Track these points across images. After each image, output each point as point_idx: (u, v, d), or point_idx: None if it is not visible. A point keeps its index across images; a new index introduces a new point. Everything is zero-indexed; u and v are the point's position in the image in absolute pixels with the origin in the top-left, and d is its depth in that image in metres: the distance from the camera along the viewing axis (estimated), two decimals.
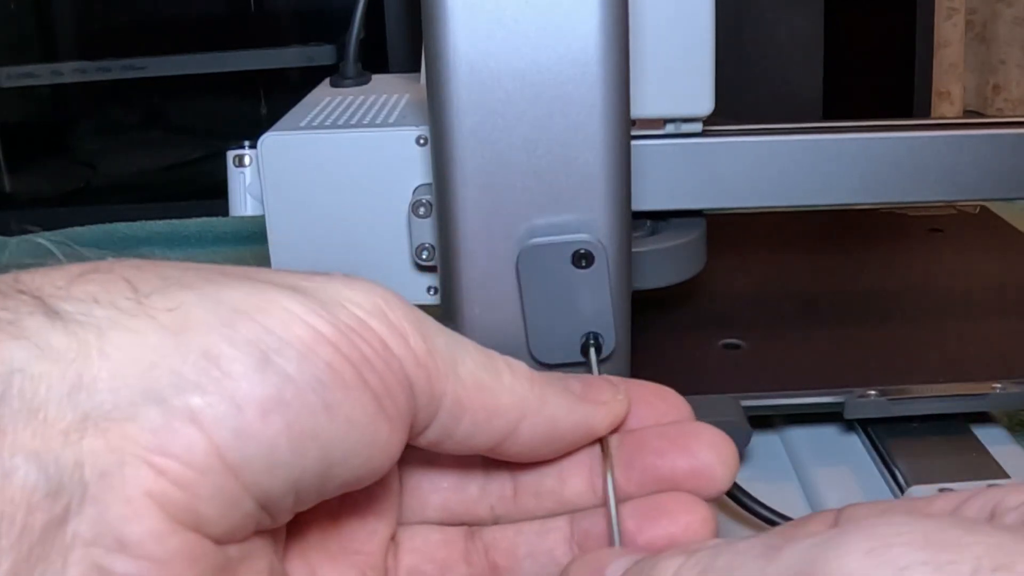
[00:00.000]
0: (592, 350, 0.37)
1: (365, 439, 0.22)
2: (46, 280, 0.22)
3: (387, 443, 0.23)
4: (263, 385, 0.21)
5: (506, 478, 0.28)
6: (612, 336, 0.37)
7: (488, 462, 0.28)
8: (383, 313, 0.23)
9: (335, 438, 0.22)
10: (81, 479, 0.19)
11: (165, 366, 0.20)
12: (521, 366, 0.26)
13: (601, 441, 0.27)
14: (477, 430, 0.25)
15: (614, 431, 0.28)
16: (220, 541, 0.21)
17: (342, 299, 0.23)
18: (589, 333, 0.37)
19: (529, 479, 0.28)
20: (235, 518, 0.21)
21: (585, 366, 0.37)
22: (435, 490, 0.28)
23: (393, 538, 0.28)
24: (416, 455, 0.28)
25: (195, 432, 0.20)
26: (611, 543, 0.26)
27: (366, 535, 0.27)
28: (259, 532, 0.22)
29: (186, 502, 0.20)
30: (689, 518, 0.26)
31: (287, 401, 0.21)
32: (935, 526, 0.18)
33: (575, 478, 0.28)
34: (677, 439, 0.27)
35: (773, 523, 0.41)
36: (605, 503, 0.26)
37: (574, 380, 0.28)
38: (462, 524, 0.28)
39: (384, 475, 0.24)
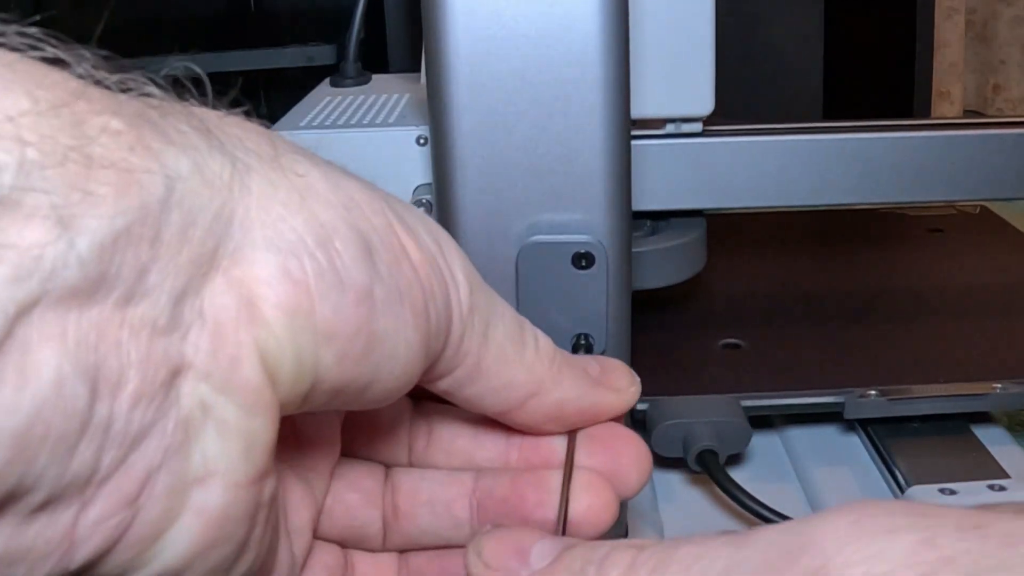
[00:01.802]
0: (583, 351, 0.37)
1: (409, 364, 0.22)
2: (203, 111, 0.21)
3: (415, 375, 0.23)
4: (363, 273, 0.21)
5: (423, 429, 0.28)
6: (603, 337, 0.37)
7: (414, 410, 0.28)
8: (449, 258, 0.24)
9: (393, 353, 0.22)
10: (201, 312, 0.19)
11: (290, 223, 0.20)
12: (547, 343, 0.26)
13: (569, 434, 0.27)
14: (487, 396, 0.25)
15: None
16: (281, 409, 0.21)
17: (419, 229, 0.23)
18: (580, 334, 0.37)
19: (444, 433, 0.28)
20: (298, 390, 0.21)
21: None
22: (375, 431, 0.28)
23: None
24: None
25: (304, 293, 0.20)
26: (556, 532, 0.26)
27: (321, 457, 0.27)
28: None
29: (278, 357, 0.20)
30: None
31: (375, 298, 0.21)
32: (911, 502, 0.18)
33: (489, 443, 0.28)
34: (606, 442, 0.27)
35: (773, 523, 0.41)
36: (563, 492, 0.26)
37: (594, 363, 0.28)
38: (383, 463, 0.28)
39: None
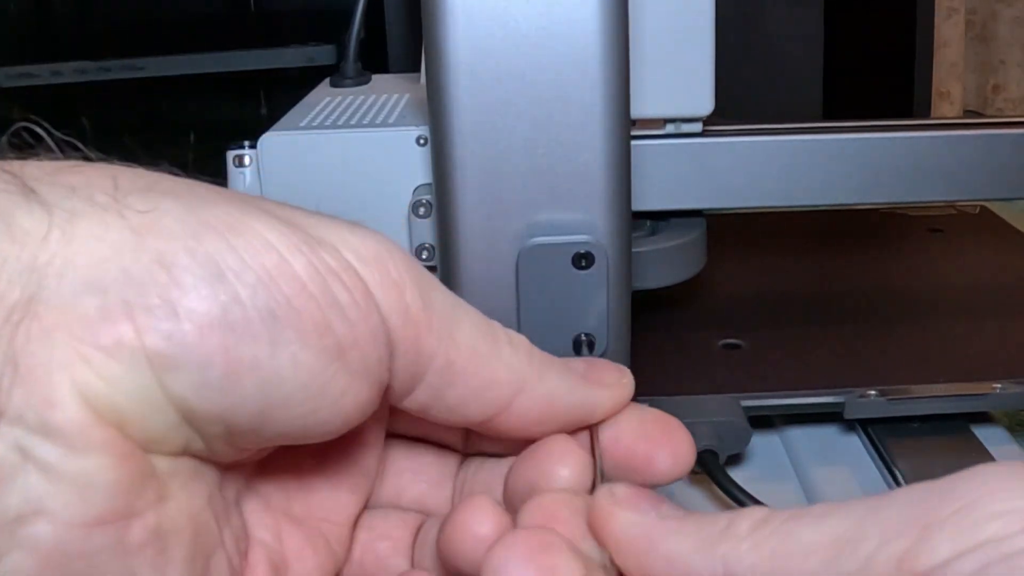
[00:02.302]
0: (585, 348, 0.37)
1: (313, 387, 0.21)
2: (35, 166, 0.22)
3: (341, 397, 0.22)
4: (209, 301, 0.20)
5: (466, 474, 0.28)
6: (604, 337, 0.37)
7: (466, 461, 0.28)
8: (382, 263, 0.23)
9: (276, 377, 0.21)
10: (14, 358, 0.19)
11: (117, 262, 0.20)
12: (522, 340, 0.26)
13: (591, 428, 0.27)
14: (470, 399, 0.24)
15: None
16: (145, 448, 0.21)
17: (337, 241, 0.22)
18: (581, 333, 0.37)
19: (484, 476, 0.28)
20: (159, 426, 0.21)
21: None
22: (416, 482, 0.28)
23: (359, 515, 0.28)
24: (403, 444, 0.28)
25: (128, 328, 0.20)
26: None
27: (336, 506, 0.26)
28: (197, 457, 0.22)
29: (108, 396, 0.20)
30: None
31: (230, 323, 0.20)
32: None
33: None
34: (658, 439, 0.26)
35: None
36: (593, 489, 0.25)
37: (577, 361, 0.27)
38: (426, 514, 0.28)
39: (343, 436, 0.23)
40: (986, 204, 0.70)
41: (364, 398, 0.23)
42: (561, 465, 0.25)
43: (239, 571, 0.24)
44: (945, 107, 1.34)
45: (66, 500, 0.20)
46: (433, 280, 0.24)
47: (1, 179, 0.21)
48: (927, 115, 0.99)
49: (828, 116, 0.94)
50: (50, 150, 0.23)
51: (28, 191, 0.20)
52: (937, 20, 1.10)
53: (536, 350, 0.26)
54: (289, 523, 0.26)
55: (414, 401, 0.24)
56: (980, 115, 1.39)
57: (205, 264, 0.21)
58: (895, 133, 0.46)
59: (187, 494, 0.22)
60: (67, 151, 0.23)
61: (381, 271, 0.23)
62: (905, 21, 0.95)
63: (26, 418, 0.19)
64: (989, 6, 1.40)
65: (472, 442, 0.28)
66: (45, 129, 0.23)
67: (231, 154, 0.44)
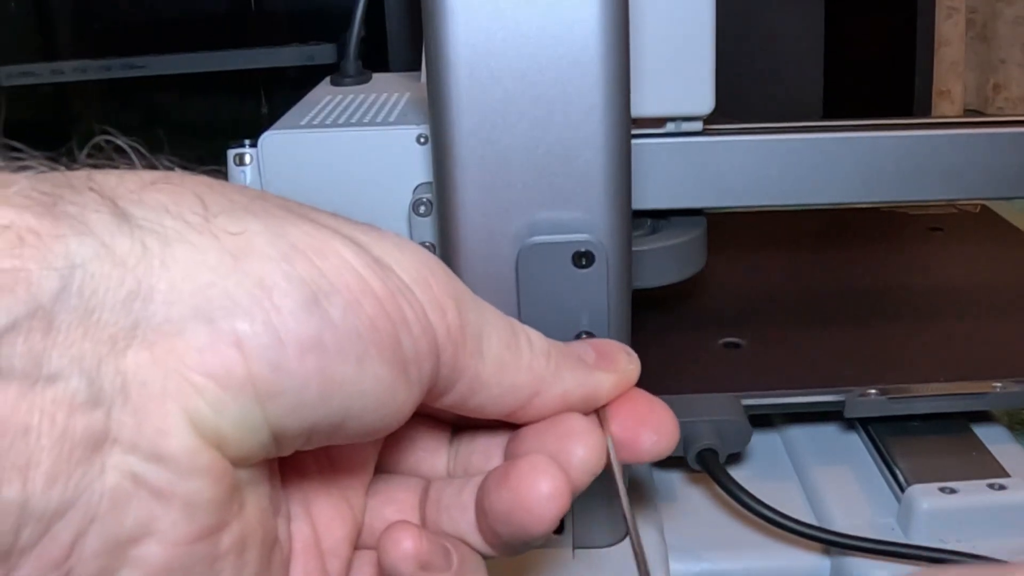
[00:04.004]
0: None
1: (384, 398, 0.23)
2: (120, 182, 0.22)
3: (402, 405, 0.23)
4: (307, 324, 0.21)
5: (464, 440, 0.29)
6: (604, 336, 0.37)
7: (457, 430, 0.29)
8: (427, 282, 0.24)
9: (359, 391, 0.22)
10: (124, 387, 0.19)
11: (220, 287, 0.20)
12: (539, 340, 0.27)
13: (599, 410, 0.28)
14: (491, 403, 0.26)
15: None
16: (235, 463, 0.21)
17: (391, 261, 0.23)
18: (581, 332, 0.37)
19: (479, 443, 0.29)
20: (252, 445, 0.21)
21: None
22: (412, 450, 0.29)
23: None
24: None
25: (237, 356, 0.20)
26: (620, 503, 0.27)
27: (356, 470, 0.27)
28: (265, 459, 0.23)
29: (215, 423, 0.20)
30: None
31: (325, 345, 0.21)
32: None
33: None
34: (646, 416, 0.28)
35: (773, 522, 0.41)
36: (608, 468, 0.27)
37: (590, 348, 0.28)
38: (424, 477, 0.29)
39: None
40: (986, 203, 0.70)
41: (416, 402, 0.24)
42: (579, 445, 0.26)
43: (287, 555, 0.25)
44: (945, 106, 1.34)
45: (174, 520, 0.20)
46: (466, 293, 0.25)
47: (92, 201, 0.20)
48: (927, 114, 0.99)
49: (828, 115, 0.94)
50: (112, 157, 0.23)
51: (120, 212, 0.20)
52: (938, 19, 1.10)
53: (552, 347, 0.27)
54: (318, 494, 0.26)
55: (441, 403, 0.26)
56: (980, 114, 1.39)
57: (301, 287, 0.21)
58: (895, 132, 0.46)
59: (257, 497, 0.23)
60: (128, 156, 0.23)
61: (429, 290, 0.24)
62: (906, 20, 0.95)
63: (140, 447, 0.20)
64: (990, 5, 1.40)
65: (465, 418, 0.29)
66: (110, 135, 0.23)
67: (232, 153, 0.44)
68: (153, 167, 0.23)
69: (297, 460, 0.26)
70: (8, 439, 0.18)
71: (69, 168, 0.22)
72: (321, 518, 0.26)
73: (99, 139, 0.23)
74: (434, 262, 0.24)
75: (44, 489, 0.19)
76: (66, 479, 0.19)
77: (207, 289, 0.20)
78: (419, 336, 0.23)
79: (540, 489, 0.25)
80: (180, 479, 0.20)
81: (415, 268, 0.24)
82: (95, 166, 0.23)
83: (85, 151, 0.23)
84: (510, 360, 0.26)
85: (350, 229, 0.24)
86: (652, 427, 0.28)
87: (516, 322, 0.27)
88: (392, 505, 0.28)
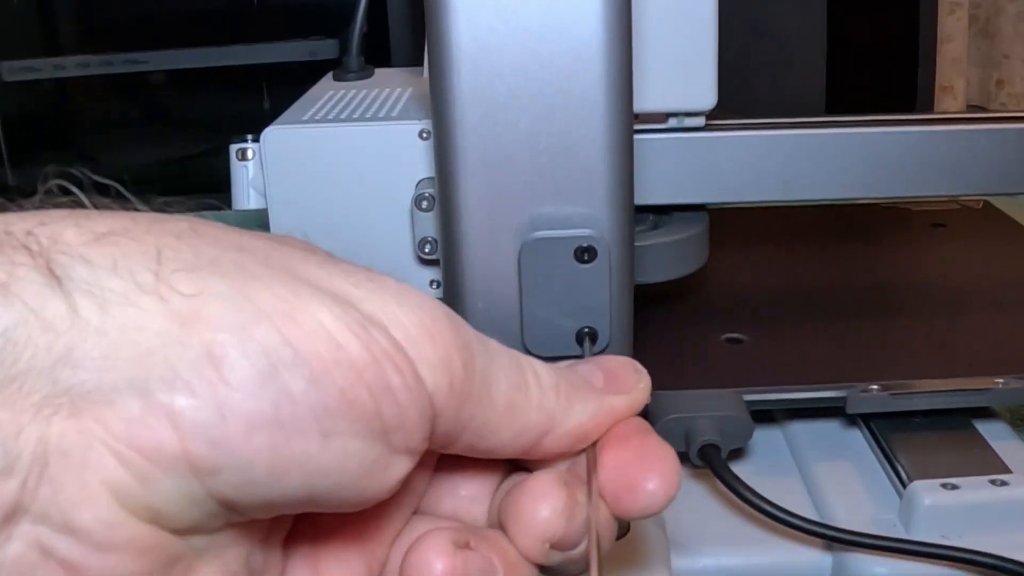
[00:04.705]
0: (587, 340, 0.37)
1: (360, 472, 0.21)
2: (68, 231, 0.20)
3: (384, 475, 0.21)
4: (258, 399, 0.19)
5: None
6: (607, 332, 0.37)
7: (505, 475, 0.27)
8: (429, 337, 0.22)
9: (324, 468, 0.20)
10: (43, 456, 0.19)
11: (161, 356, 0.19)
12: (547, 374, 0.25)
13: (588, 449, 0.26)
14: (501, 447, 0.24)
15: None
16: (181, 533, 0.20)
17: (385, 318, 0.21)
18: (584, 328, 0.37)
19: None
20: (197, 517, 0.20)
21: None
22: (454, 496, 0.27)
23: None
24: (447, 462, 0.27)
25: (169, 432, 0.19)
26: (590, 543, 0.25)
27: (384, 530, 0.26)
28: (235, 525, 0.22)
29: (143, 497, 0.19)
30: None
31: (280, 421, 0.20)
32: None
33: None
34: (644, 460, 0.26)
35: (775, 517, 0.41)
36: (584, 510, 0.25)
37: (597, 370, 0.27)
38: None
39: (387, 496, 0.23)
40: (989, 199, 0.69)
41: (405, 470, 0.22)
42: (541, 507, 0.25)
43: None
44: (948, 102, 1.34)
45: None
46: (474, 338, 0.23)
47: (22, 262, 0.19)
48: (930, 110, 0.99)
49: (831, 110, 0.94)
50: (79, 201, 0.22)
51: (53, 276, 0.19)
52: (941, 15, 1.10)
53: (561, 379, 0.25)
54: (329, 550, 0.25)
55: (447, 451, 0.24)
56: (983, 110, 1.39)
57: (256, 359, 0.19)
58: (898, 128, 0.46)
59: (220, 563, 0.21)
60: (101, 198, 0.22)
61: (428, 347, 0.22)
62: (909, 15, 0.95)
63: (51, 516, 0.19)
64: (993, 1, 1.39)
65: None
66: (79, 180, 0.22)
67: (234, 148, 0.44)
68: (131, 208, 0.22)
69: (310, 514, 0.24)
70: None
71: (30, 207, 0.21)
72: (325, 568, 0.25)
73: (52, 184, 0.22)
74: (439, 312, 0.23)
75: None
76: None
77: (145, 357, 0.19)
78: (406, 404, 0.21)
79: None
80: (94, 553, 0.19)
81: (414, 323, 0.22)
82: (72, 202, 0.22)
83: (39, 196, 0.22)
84: (520, 402, 0.24)
85: (342, 282, 0.22)
86: (657, 475, 0.25)
87: (521, 356, 0.25)
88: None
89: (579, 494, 0.25)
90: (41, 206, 0.22)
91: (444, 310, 0.23)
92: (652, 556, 0.39)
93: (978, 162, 0.46)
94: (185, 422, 0.19)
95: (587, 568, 0.24)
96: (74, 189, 0.22)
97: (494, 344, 0.24)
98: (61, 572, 0.19)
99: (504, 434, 0.24)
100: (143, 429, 0.19)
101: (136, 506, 0.19)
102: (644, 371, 0.27)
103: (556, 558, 0.25)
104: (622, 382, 0.27)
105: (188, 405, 0.19)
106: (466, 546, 0.24)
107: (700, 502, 0.46)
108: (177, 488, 0.19)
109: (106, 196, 0.22)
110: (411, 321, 0.22)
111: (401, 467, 0.22)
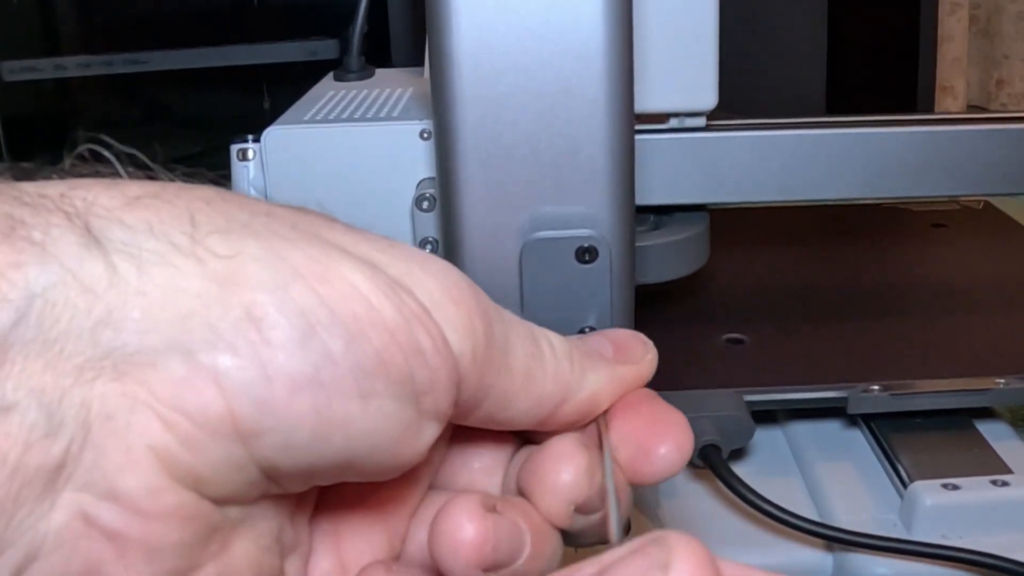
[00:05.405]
0: None
1: (395, 434, 0.21)
2: (102, 196, 0.20)
3: (417, 439, 0.21)
4: (300, 360, 0.19)
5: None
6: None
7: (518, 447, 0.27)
8: (452, 301, 0.22)
9: (364, 430, 0.20)
10: (86, 421, 0.18)
11: (202, 317, 0.19)
12: (560, 343, 0.25)
13: (598, 418, 0.26)
14: (519, 417, 0.24)
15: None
16: (220, 502, 0.20)
17: (411, 282, 0.21)
18: (584, 328, 0.37)
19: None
20: (239, 484, 0.20)
21: None
22: (468, 470, 0.27)
23: None
24: (459, 436, 0.27)
25: (214, 393, 0.19)
26: (609, 515, 0.24)
27: (403, 504, 0.26)
28: (273, 496, 0.21)
29: (188, 462, 0.19)
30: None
31: (322, 382, 0.19)
32: None
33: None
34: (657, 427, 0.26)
35: (776, 517, 0.41)
36: (602, 474, 0.25)
37: (606, 341, 0.27)
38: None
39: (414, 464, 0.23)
40: (989, 199, 0.70)
41: (434, 435, 0.22)
42: (564, 469, 0.25)
43: None
44: (948, 102, 1.34)
45: (128, 564, 0.19)
46: (490, 307, 0.23)
47: (60, 222, 0.19)
48: (930, 110, 0.99)
49: (831, 111, 0.94)
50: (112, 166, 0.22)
51: (91, 236, 0.19)
52: (941, 14, 1.10)
53: (573, 348, 0.26)
54: (351, 525, 0.25)
55: (466, 422, 0.24)
56: (984, 110, 1.39)
57: (296, 320, 0.19)
58: (898, 128, 0.46)
59: (253, 536, 0.21)
60: (132, 168, 0.22)
61: (453, 312, 0.22)
62: (909, 15, 0.95)
63: (95, 482, 0.18)
64: (993, 1, 1.39)
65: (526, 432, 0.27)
66: (109, 145, 0.22)
67: (235, 148, 0.44)
68: (154, 177, 0.22)
69: (333, 487, 0.24)
70: None
71: (56, 176, 0.21)
72: (351, 553, 0.24)
73: (82, 149, 0.22)
74: (460, 278, 0.23)
75: None
76: (8, 519, 0.18)
77: (187, 319, 0.19)
78: (436, 367, 0.21)
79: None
80: (137, 520, 0.19)
81: (438, 288, 0.22)
82: (96, 172, 0.21)
83: (69, 160, 0.22)
84: (537, 371, 0.24)
85: (368, 247, 0.22)
86: (670, 442, 0.25)
87: (534, 327, 0.25)
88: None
89: (598, 459, 0.25)
90: (70, 173, 0.22)
91: (464, 277, 0.23)
92: None
93: (978, 162, 0.46)
94: (230, 383, 0.19)
95: (605, 535, 0.24)
96: (106, 153, 0.22)
97: (508, 314, 0.24)
98: (104, 542, 0.19)
99: (522, 404, 0.24)
100: (188, 391, 0.19)
101: (180, 471, 0.19)
102: (651, 343, 0.28)
103: (580, 522, 0.25)
104: (630, 353, 0.27)
105: (233, 365, 0.19)
106: (493, 510, 0.24)
107: (701, 502, 0.46)
108: (221, 452, 0.19)
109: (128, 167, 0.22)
110: (435, 286, 0.22)
111: (431, 432, 0.22)
